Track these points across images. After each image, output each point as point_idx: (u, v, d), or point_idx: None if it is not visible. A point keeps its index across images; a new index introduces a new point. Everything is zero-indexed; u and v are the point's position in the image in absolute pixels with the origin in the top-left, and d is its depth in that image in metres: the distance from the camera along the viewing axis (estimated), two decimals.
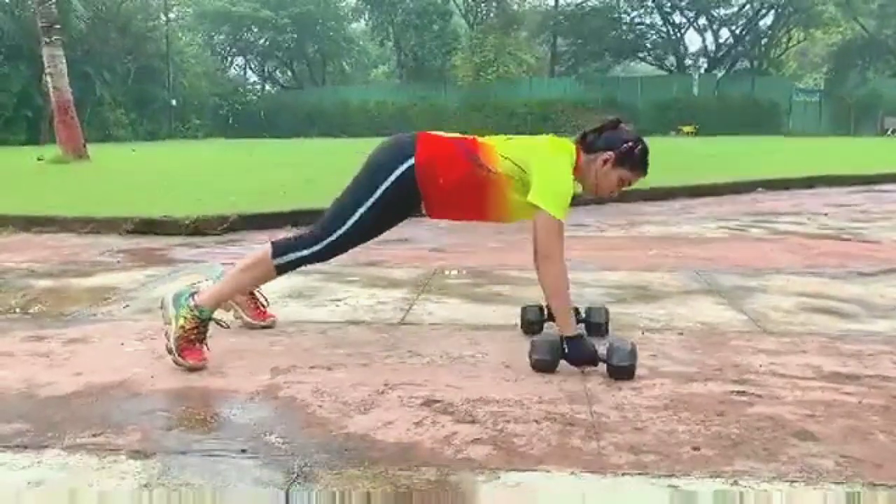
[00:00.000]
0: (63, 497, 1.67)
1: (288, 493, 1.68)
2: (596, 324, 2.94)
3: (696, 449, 1.91)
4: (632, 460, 1.85)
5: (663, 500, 1.65)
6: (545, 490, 1.70)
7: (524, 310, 3.00)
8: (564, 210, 2.55)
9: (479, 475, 1.77)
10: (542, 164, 2.58)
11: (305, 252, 2.66)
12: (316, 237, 2.67)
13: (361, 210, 2.64)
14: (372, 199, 2.63)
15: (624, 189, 2.78)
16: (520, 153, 2.61)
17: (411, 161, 2.61)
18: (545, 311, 2.90)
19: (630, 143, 2.66)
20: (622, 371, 2.42)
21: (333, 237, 2.65)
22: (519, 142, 2.68)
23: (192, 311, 2.56)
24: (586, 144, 2.69)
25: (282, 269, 2.69)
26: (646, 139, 2.74)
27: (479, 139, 2.69)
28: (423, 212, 2.77)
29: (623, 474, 1.77)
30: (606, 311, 2.99)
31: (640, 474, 1.77)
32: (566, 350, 2.48)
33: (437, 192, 2.65)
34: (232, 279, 2.73)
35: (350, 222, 2.64)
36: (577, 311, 2.96)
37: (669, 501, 1.65)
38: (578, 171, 2.66)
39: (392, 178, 2.62)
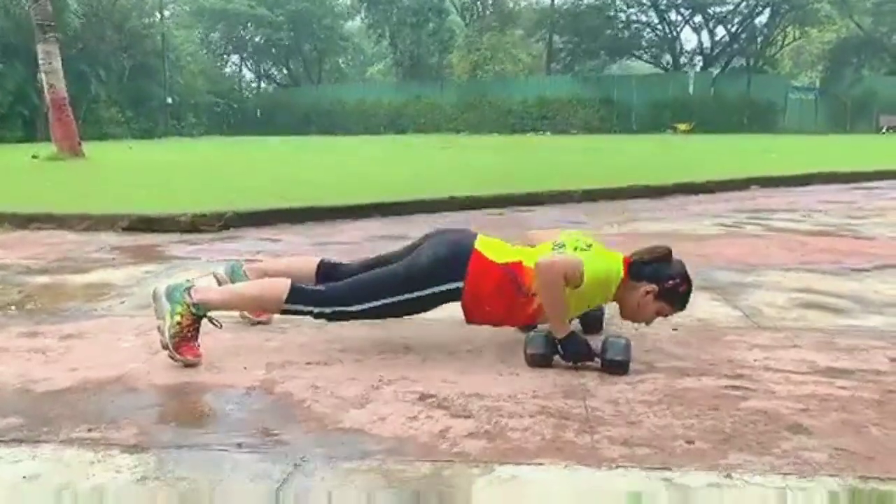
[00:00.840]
0: (59, 491, 1.67)
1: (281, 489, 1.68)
2: (593, 317, 2.94)
3: (690, 442, 1.92)
4: (626, 454, 1.86)
5: (657, 493, 1.66)
6: (540, 483, 1.71)
7: None
8: (591, 277, 2.52)
9: (473, 469, 1.78)
10: (590, 255, 2.60)
11: (316, 310, 2.66)
12: (332, 300, 2.65)
13: (389, 300, 2.64)
14: (406, 297, 2.64)
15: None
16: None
17: (460, 284, 2.62)
18: None
19: (676, 281, 2.64)
20: (617, 366, 2.43)
21: (349, 309, 2.66)
22: (568, 249, 2.65)
23: (189, 307, 2.55)
24: (635, 269, 2.64)
25: (286, 313, 2.71)
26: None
27: (525, 263, 2.62)
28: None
29: (617, 467, 1.78)
30: (601, 307, 2.99)
31: (634, 467, 1.78)
32: (561, 351, 2.49)
33: (480, 311, 2.69)
34: (237, 297, 2.74)
35: (372, 305, 2.64)
36: None
37: (663, 494, 1.66)
38: (620, 291, 2.64)
39: (436, 290, 2.64)
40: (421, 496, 1.64)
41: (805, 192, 8.93)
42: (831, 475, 1.74)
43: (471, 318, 2.75)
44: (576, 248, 2.65)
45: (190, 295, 2.57)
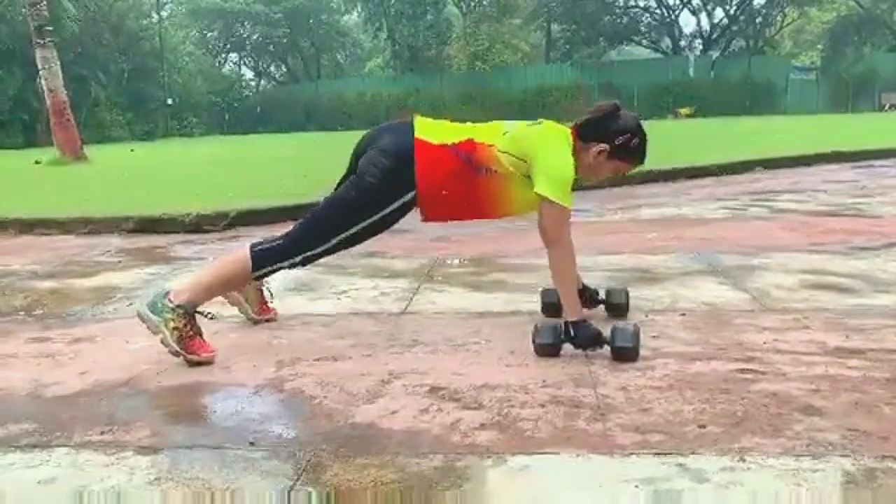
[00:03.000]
0: (74, 494, 1.68)
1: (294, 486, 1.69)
2: (616, 304, 2.95)
3: (702, 427, 1.92)
4: (638, 440, 1.85)
5: (671, 479, 1.66)
6: (552, 472, 1.71)
7: (544, 292, 3.00)
8: (569, 196, 2.54)
9: (486, 460, 1.78)
10: (543, 152, 2.54)
11: (284, 264, 2.63)
12: (294, 248, 2.61)
13: (352, 230, 2.60)
14: (366, 223, 2.60)
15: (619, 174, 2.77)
16: (518, 145, 2.56)
17: (412, 194, 2.57)
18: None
19: (627, 136, 2.61)
20: (626, 352, 2.43)
21: (317, 250, 2.62)
22: (515, 132, 2.61)
23: (174, 310, 2.54)
24: (584, 131, 2.63)
25: (261, 277, 2.69)
26: (644, 123, 2.71)
27: (476, 139, 2.58)
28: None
29: (630, 454, 1.78)
30: (627, 293, 3.00)
31: (646, 454, 1.78)
32: (572, 334, 2.49)
33: (439, 203, 2.62)
34: (207, 282, 2.65)
35: (337, 238, 2.61)
36: (596, 292, 2.97)
37: (677, 480, 1.65)
38: (575, 157, 2.60)
39: (392, 207, 2.59)
40: (434, 489, 1.64)
41: (809, 172, 8.90)
42: (845, 455, 1.74)
43: (429, 214, 2.68)
44: (527, 125, 2.65)
45: (170, 300, 2.56)
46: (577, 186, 2.64)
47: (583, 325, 2.49)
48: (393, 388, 2.27)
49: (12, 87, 28.20)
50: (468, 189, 2.59)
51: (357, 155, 2.69)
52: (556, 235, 2.54)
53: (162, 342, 2.55)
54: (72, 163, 13.37)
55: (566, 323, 2.51)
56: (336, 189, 2.74)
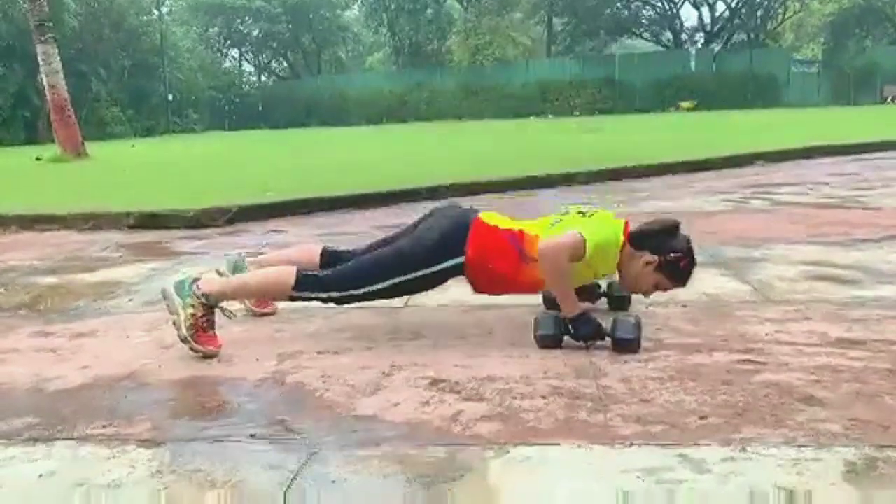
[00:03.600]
0: (75, 487, 1.68)
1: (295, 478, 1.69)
2: (618, 297, 2.95)
3: (703, 418, 1.92)
4: (639, 431, 1.85)
5: (673, 469, 1.66)
6: (554, 463, 1.71)
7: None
8: (593, 246, 2.51)
9: (488, 451, 1.78)
10: (588, 223, 2.59)
11: (323, 295, 2.67)
12: (339, 284, 2.65)
13: (396, 280, 2.65)
14: (410, 276, 2.64)
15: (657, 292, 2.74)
16: (563, 229, 2.59)
17: (461, 259, 2.63)
18: None
19: (678, 256, 2.62)
20: (627, 344, 2.43)
21: (356, 292, 2.66)
22: (565, 220, 2.66)
23: (198, 298, 2.56)
24: (637, 239, 2.64)
25: (295, 300, 2.71)
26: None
27: (526, 230, 2.65)
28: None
29: (631, 445, 1.78)
30: None
31: (648, 445, 1.78)
32: (572, 329, 2.49)
33: (486, 278, 2.69)
34: (245, 287, 2.75)
35: (378, 286, 2.65)
36: (597, 285, 2.97)
37: (678, 470, 1.65)
38: (622, 259, 2.63)
39: (438, 267, 2.64)
40: (436, 480, 1.64)
41: (810, 165, 8.89)
42: (846, 445, 1.74)
43: (477, 285, 2.75)
44: (579, 212, 2.67)
45: (198, 287, 2.58)
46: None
47: (583, 319, 2.49)
48: (394, 381, 2.27)
49: (13, 84, 28.17)
50: (512, 271, 2.64)
51: (417, 222, 2.81)
52: (555, 245, 2.50)
53: (174, 324, 2.56)
54: (73, 159, 13.36)
55: (565, 319, 2.50)
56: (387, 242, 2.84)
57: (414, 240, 2.71)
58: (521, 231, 2.66)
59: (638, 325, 2.45)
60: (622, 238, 2.62)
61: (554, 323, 2.50)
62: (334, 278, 2.67)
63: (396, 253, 2.69)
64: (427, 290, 2.76)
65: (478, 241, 2.64)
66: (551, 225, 2.66)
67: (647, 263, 2.61)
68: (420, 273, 2.64)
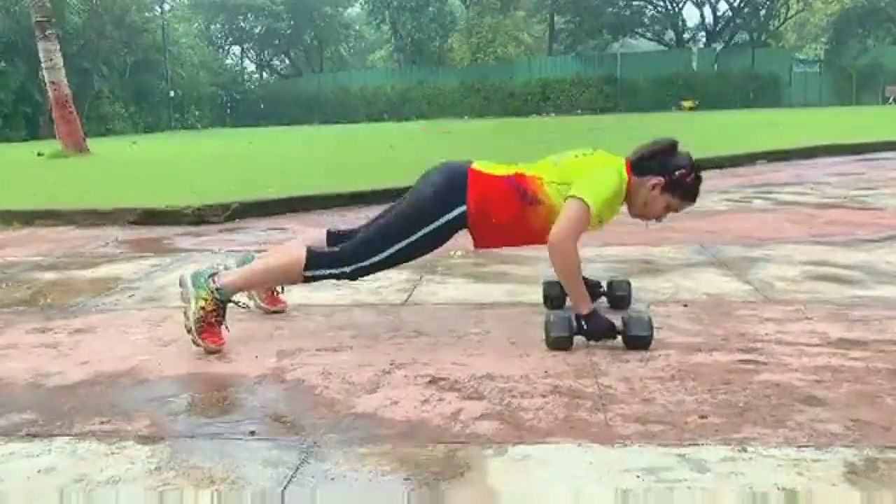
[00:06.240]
0: (74, 483, 1.68)
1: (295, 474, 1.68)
2: (619, 297, 2.94)
3: (703, 417, 1.91)
4: (640, 430, 1.85)
5: (672, 469, 1.65)
6: (554, 462, 1.71)
7: (546, 284, 2.98)
8: (600, 206, 2.51)
9: (487, 450, 1.77)
10: (588, 171, 2.58)
11: (336, 271, 2.66)
12: (350, 257, 2.66)
13: (403, 243, 2.64)
14: (416, 236, 2.64)
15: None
16: (565, 173, 2.60)
17: (463, 208, 2.62)
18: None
19: (683, 171, 2.62)
20: (640, 341, 2.43)
21: (367, 262, 2.66)
22: (564, 162, 2.66)
23: (212, 292, 2.57)
24: (639, 165, 2.64)
25: (308, 280, 2.70)
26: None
27: (527, 172, 2.65)
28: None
29: (631, 444, 1.77)
30: (628, 284, 3.00)
31: (648, 444, 1.77)
32: (584, 326, 2.48)
33: (489, 230, 2.68)
34: (258, 274, 2.73)
35: (388, 252, 2.65)
36: (598, 284, 2.96)
37: (678, 470, 1.65)
38: (629, 190, 2.63)
39: (441, 221, 2.63)
40: (435, 478, 1.64)
41: (812, 164, 8.88)
42: (847, 446, 1.73)
43: (480, 241, 2.74)
44: (576, 155, 2.65)
45: (213, 280, 2.59)
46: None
47: (594, 318, 2.48)
48: (394, 379, 2.27)
49: (15, 81, 28.15)
50: (516, 218, 2.63)
51: (418, 181, 2.80)
52: (566, 232, 2.49)
53: (184, 313, 2.58)
54: (74, 155, 13.35)
55: (577, 316, 2.50)
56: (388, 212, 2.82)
57: (411, 201, 2.70)
58: (521, 173, 2.65)
59: (650, 323, 2.45)
60: (626, 175, 2.61)
61: (567, 324, 2.48)
62: (344, 253, 2.67)
63: (398, 217, 2.70)
64: (435, 248, 2.73)
65: (477, 190, 2.62)
66: (553, 165, 2.65)
67: (654, 186, 2.62)
68: (424, 231, 2.63)
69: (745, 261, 3.74)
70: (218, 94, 41.84)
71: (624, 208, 2.74)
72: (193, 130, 34.24)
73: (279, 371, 2.38)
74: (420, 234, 2.64)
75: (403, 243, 2.64)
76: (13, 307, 3.35)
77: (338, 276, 2.68)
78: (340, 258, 2.66)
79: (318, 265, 2.65)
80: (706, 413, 1.94)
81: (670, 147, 2.67)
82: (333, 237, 2.89)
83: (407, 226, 2.65)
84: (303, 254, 2.66)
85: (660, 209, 2.69)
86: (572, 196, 2.52)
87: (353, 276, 2.69)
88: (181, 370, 2.42)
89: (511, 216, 2.63)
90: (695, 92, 34.01)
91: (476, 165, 2.70)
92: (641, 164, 2.64)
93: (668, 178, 2.62)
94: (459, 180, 2.64)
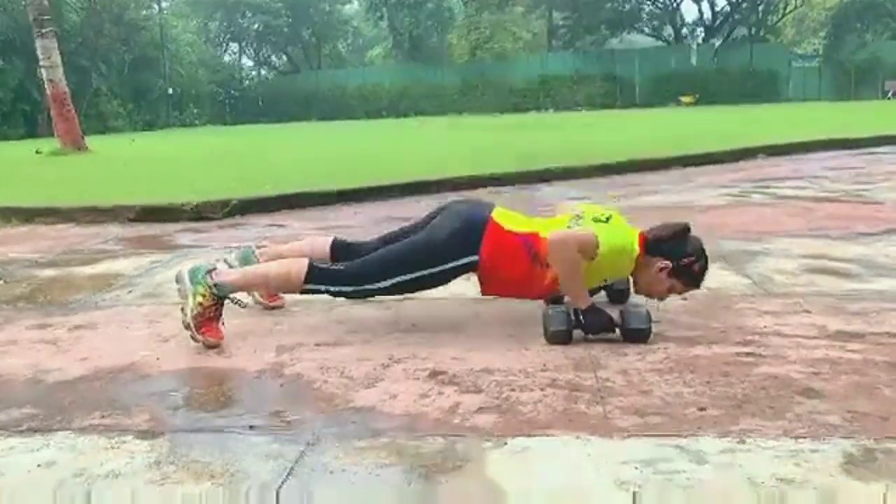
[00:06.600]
0: (74, 477, 1.68)
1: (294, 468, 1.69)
2: (618, 291, 2.94)
3: (702, 409, 1.92)
4: (638, 423, 1.85)
5: (671, 460, 1.66)
6: (552, 454, 1.71)
7: None
8: (607, 249, 2.50)
9: (486, 442, 1.78)
10: (605, 229, 2.57)
11: (334, 289, 2.67)
12: (352, 279, 2.65)
13: (408, 276, 2.64)
14: (422, 273, 2.64)
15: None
16: None
17: (475, 258, 2.62)
18: None
19: (692, 259, 2.62)
20: (639, 334, 2.43)
21: (369, 287, 2.66)
22: (582, 226, 2.63)
23: (210, 288, 2.57)
24: (651, 246, 2.63)
25: (306, 293, 2.71)
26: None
27: (541, 233, 2.62)
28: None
29: (629, 436, 1.78)
30: (627, 279, 2.99)
31: (646, 436, 1.78)
32: (583, 321, 2.48)
33: (497, 281, 2.69)
34: (258, 278, 2.74)
35: (391, 282, 2.64)
36: None
37: (677, 461, 1.65)
38: (636, 266, 2.63)
39: (451, 265, 2.63)
40: (434, 471, 1.64)
41: (811, 159, 8.88)
42: (845, 437, 1.74)
43: (487, 288, 2.74)
44: (595, 220, 2.63)
45: (211, 276, 2.60)
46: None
47: (593, 312, 2.49)
48: (393, 373, 2.27)
49: (13, 79, 28.11)
50: (525, 276, 2.64)
51: (431, 216, 2.79)
52: (566, 238, 2.49)
53: (181, 309, 2.58)
54: (73, 153, 13.34)
55: (576, 310, 2.50)
56: (399, 237, 2.83)
57: (426, 237, 2.69)
58: (536, 234, 2.64)
59: (648, 316, 2.46)
60: (637, 248, 2.60)
61: (566, 318, 2.48)
62: (347, 273, 2.66)
63: (408, 250, 2.68)
64: (438, 286, 2.75)
65: (492, 243, 2.62)
66: (568, 227, 2.64)
67: (661, 269, 2.61)
68: (432, 270, 2.63)
69: (743, 254, 3.75)
70: (216, 91, 41.81)
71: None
72: (192, 128, 34.20)
73: (278, 366, 2.38)
74: (427, 272, 2.64)
75: (408, 277, 2.64)
76: (13, 304, 3.35)
77: (334, 294, 2.68)
78: (343, 278, 2.66)
79: (319, 280, 2.65)
80: (705, 405, 1.95)
81: (683, 232, 2.67)
82: (338, 249, 2.88)
83: (416, 261, 2.64)
84: (304, 266, 2.65)
85: (663, 291, 2.67)
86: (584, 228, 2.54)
87: (349, 297, 2.70)
88: (180, 365, 2.43)
89: (521, 273, 2.63)
90: (694, 87, 34.02)
91: (496, 216, 2.68)
92: (654, 245, 2.63)
93: (676, 263, 2.61)
94: (477, 230, 2.64)
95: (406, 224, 2.94)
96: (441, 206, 2.84)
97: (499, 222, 2.66)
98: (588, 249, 2.49)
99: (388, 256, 2.70)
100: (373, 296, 2.71)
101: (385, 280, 2.64)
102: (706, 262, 2.67)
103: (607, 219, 2.65)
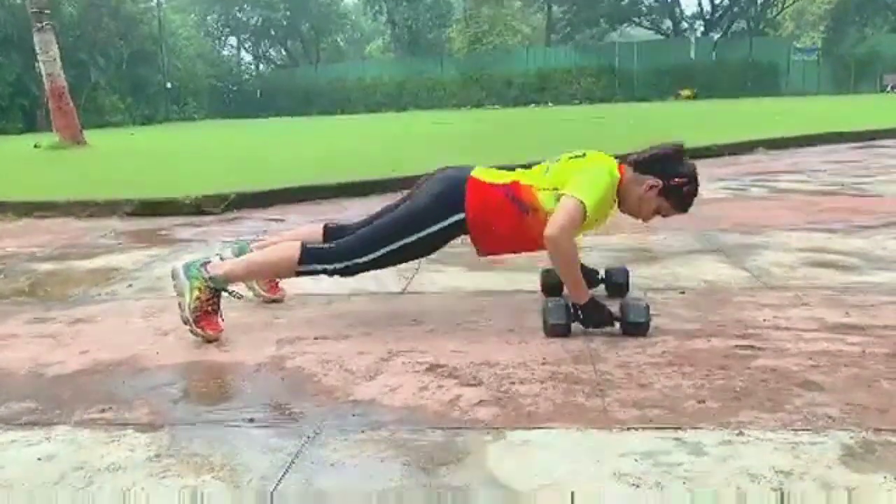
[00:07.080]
0: (74, 471, 1.68)
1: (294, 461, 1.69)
2: (616, 284, 2.95)
3: (701, 402, 1.92)
4: (637, 415, 1.86)
5: (670, 452, 1.66)
6: (552, 446, 1.71)
7: (544, 272, 2.99)
8: (593, 204, 2.50)
9: (485, 435, 1.78)
10: (580, 172, 2.58)
11: (329, 267, 2.67)
12: (343, 255, 2.66)
13: (396, 245, 2.65)
14: (409, 239, 2.65)
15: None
16: (555, 178, 2.61)
17: (461, 216, 2.64)
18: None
19: (682, 179, 2.63)
20: (638, 327, 2.44)
21: (359, 261, 2.67)
22: (558, 167, 2.66)
23: (205, 281, 2.58)
24: (639, 163, 2.65)
25: (300, 275, 2.71)
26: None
27: (522, 181, 2.65)
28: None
29: (629, 429, 1.78)
30: (626, 272, 3.00)
31: (645, 428, 1.78)
32: (581, 316, 2.49)
33: (490, 237, 2.70)
34: (252, 265, 2.74)
35: (380, 252, 2.66)
36: (595, 272, 2.97)
37: (676, 453, 1.66)
38: (621, 187, 2.64)
39: (439, 226, 2.65)
40: (434, 463, 1.65)
41: (810, 152, 8.88)
42: (844, 429, 1.74)
43: (482, 247, 2.76)
44: (570, 158, 2.66)
45: (206, 269, 2.60)
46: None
47: (591, 306, 2.49)
48: (393, 366, 2.27)
49: (11, 73, 28.05)
50: (515, 228, 2.65)
51: (417, 185, 2.81)
52: (562, 228, 2.47)
53: (179, 305, 2.58)
54: (71, 147, 13.32)
55: (575, 304, 2.50)
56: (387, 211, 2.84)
57: (410, 205, 2.73)
58: (516, 182, 2.66)
59: (647, 309, 2.46)
60: (618, 175, 2.62)
61: (565, 312, 2.49)
62: (338, 249, 2.68)
63: (395, 219, 2.71)
64: (431, 252, 2.78)
65: (475, 199, 2.64)
66: (545, 172, 2.67)
67: (651, 187, 2.62)
68: (419, 235, 2.65)
69: (742, 248, 3.75)
70: (215, 85, 41.73)
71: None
72: (190, 122, 34.13)
73: (278, 359, 2.38)
74: (414, 237, 2.65)
75: (396, 245, 2.66)
76: (12, 298, 3.35)
77: (330, 273, 2.69)
78: (334, 254, 2.67)
79: (311, 260, 2.66)
80: (703, 398, 1.95)
81: (677, 151, 2.67)
82: (330, 232, 2.89)
83: (402, 229, 2.67)
84: (297, 249, 2.66)
85: (650, 211, 2.69)
86: (565, 195, 2.52)
87: (344, 274, 2.70)
88: (180, 359, 2.43)
89: (510, 226, 2.65)
90: (693, 81, 33.97)
91: (475, 173, 2.71)
92: (648, 163, 2.64)
93: (666, 182, 2.61)
94: (459, 188, 2.66)
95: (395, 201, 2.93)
96: (423, 176, 2.85)
97: (478, 178, 2.69)
98: (579, 222, 2.50)
99: (376, 229, 2.72)
100: (366, 269, 2.71)
101: (374, 251, 2.66)
102: (696, 188, 2.69)
103: (583, 154, 2.67)
